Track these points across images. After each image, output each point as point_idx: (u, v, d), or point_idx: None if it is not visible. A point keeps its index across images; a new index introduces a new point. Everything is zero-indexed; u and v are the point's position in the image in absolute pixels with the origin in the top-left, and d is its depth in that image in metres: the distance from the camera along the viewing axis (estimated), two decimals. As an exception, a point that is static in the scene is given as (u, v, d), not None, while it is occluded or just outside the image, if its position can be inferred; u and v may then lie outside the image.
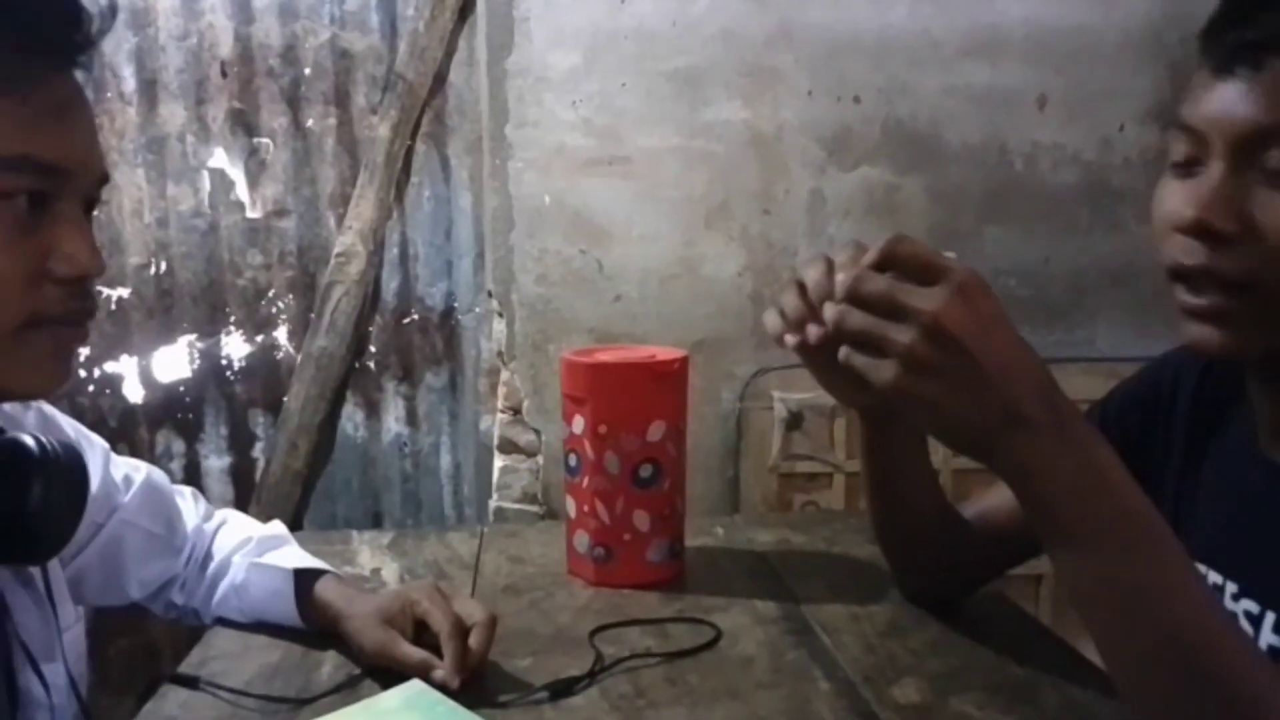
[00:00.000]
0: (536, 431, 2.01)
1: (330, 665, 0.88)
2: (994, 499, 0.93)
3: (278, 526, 1.03)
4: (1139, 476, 0.62)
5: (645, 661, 0.88)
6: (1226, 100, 0.61)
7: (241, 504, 2.10)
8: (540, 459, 2.01)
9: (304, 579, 0.94)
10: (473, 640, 0.83)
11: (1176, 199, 0.64)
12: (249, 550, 0.98)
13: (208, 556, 1.00)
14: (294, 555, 0.97)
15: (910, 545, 0.96)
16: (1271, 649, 0.65)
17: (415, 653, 0.82)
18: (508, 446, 2.03)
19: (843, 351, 0.59)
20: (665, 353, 1.11)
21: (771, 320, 0.72)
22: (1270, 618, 0.66)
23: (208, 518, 1.04)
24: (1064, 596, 0.61)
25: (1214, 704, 0.55)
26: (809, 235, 2.02)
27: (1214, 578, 0.72)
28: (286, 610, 0.94)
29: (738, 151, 1.98)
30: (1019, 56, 1.98)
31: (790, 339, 0.71)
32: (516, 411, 2.02)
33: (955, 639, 0.93)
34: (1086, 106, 1.99)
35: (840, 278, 0.64)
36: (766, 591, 1.05)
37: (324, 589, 0.93)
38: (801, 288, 0.70)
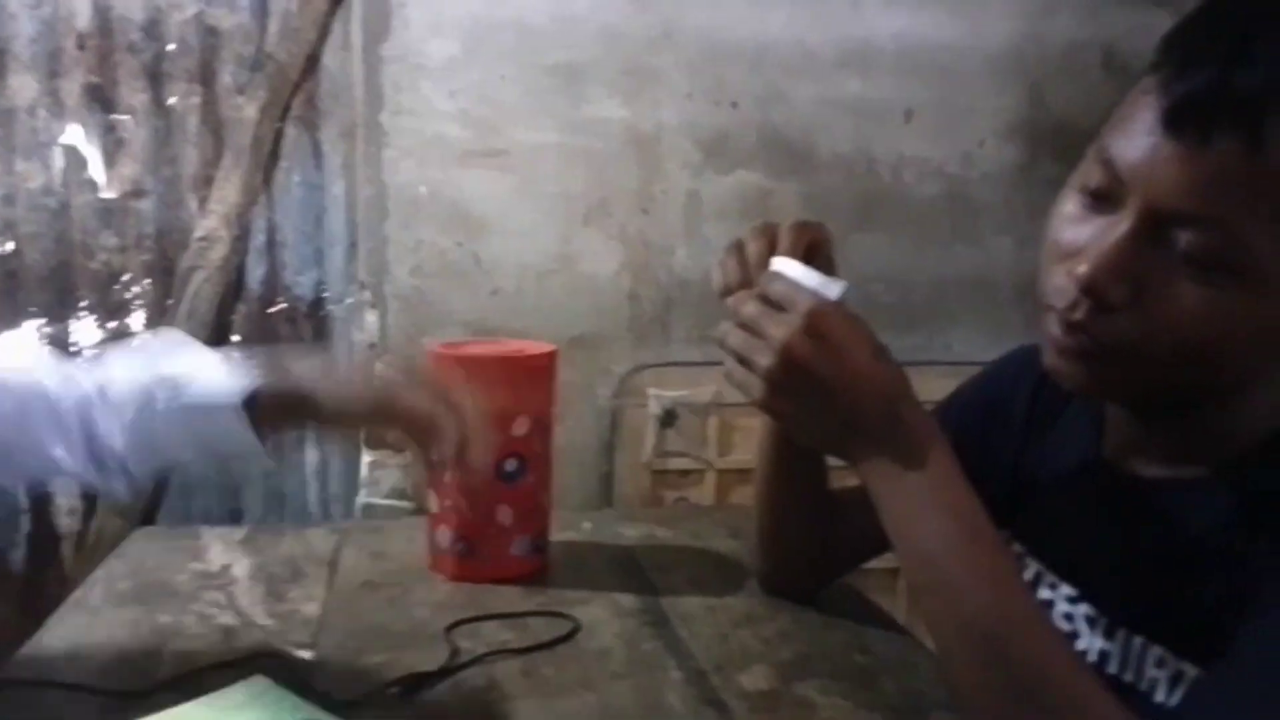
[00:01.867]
0: (407, 426, 1.97)
1: (170, 660, 0.85)
2: (855, 493, 0.97)
3: (166, 337, 0.83)
4: (979, 473, 0.66)
5: (502, 656, 0.88)
6: (1160, 162, 0.55)
7: (90, 497, 1.99)
8: (409, 454, 1.98)
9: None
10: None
11: (1077, 236, 0.61)
12: (158, 387, 0.75)
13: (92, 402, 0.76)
14: (213, 369, 0.76)
15: (790, 528, 0.98)
16: (1102, 653, 0.69)
17: (424, 398, 0.77)
18: (376, 441, 1.99)
19: (725, 366, 0.67)
20: (533, 347, 1.11)
21: (717, 277, 0.76)
22: (1103, 622, 0.70)
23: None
24: (906, 582, 0.65)
25: (1025, 698, 0.58)
26: (686, 235, 2.06)
27: (1050, 578, 0.76)
28: (242, 443, 0.75)
29: (617, 150, 2.00)
30: (889, 71, 2.06)
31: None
32: (387, 405, 1.98)
33: (805, 628, 0.96)
34: (950, 121, 2.08)
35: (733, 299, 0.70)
36: (628, 585, 1.07)
37: (268, 392, 0.75)
38: (740, 251, 0.74)
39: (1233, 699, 0.56)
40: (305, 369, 0.79)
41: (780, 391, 0.64)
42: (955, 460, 0.64)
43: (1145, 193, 0.56)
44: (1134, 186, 0.57)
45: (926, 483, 0.63)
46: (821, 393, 0.63)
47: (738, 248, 0.74)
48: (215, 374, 0.76)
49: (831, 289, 0.66)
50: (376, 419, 0.78)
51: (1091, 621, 0.71)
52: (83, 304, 1.96)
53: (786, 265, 0.68)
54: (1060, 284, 0.61)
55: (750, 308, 0.66)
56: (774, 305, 0.65)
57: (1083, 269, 0.58)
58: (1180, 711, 0.60)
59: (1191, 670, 0.62)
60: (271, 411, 0.76)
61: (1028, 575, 0.78)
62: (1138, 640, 0.67)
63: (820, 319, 0.63)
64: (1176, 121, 0.54)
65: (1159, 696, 0.64)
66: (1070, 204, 0.62)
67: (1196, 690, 0.61)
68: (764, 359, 0.63)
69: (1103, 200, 0.60)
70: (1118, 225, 0.58)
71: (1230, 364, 0.60)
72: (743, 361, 0.66)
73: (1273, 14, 0.54)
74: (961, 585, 0.61)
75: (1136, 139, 0.57)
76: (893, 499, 0.65)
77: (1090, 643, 0.70)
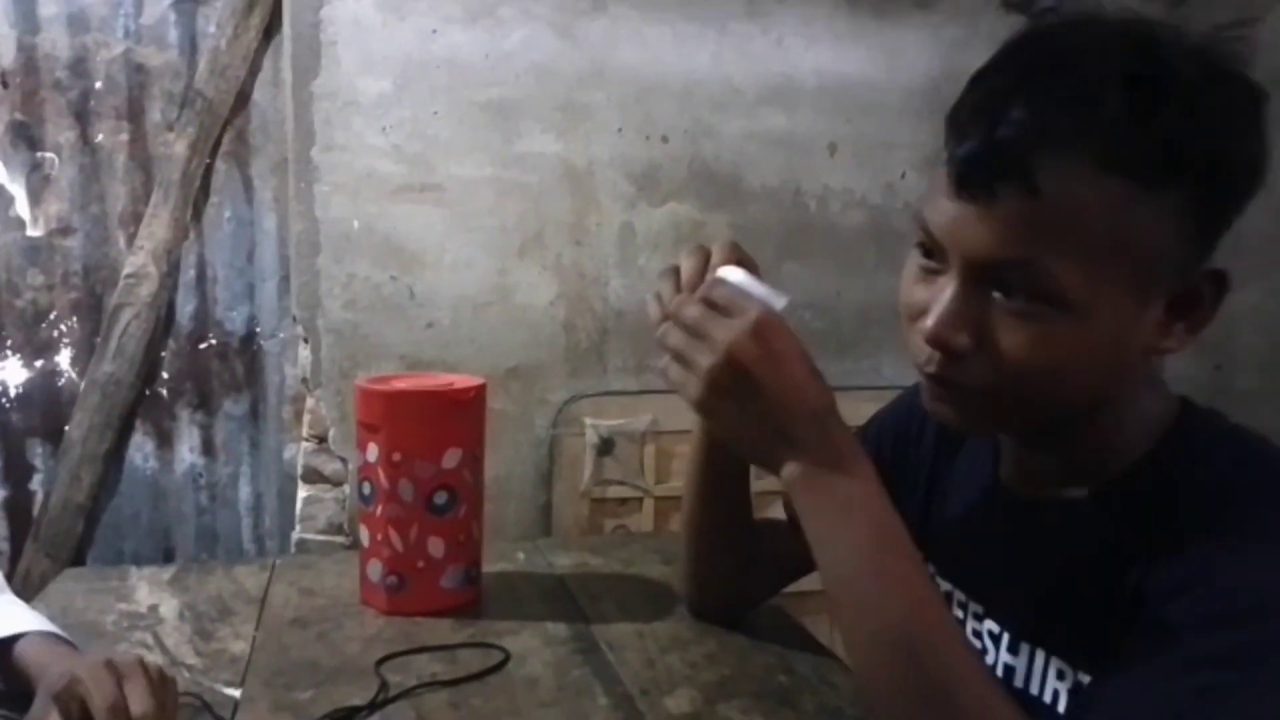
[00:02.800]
0: (343, 460, 1.97)
1: None
2: (779, 512, 1.00)
3: None
4: (893, 496, 0.69)
5: (431, 688, 0.89)
6: (962, 224, 0.62)
7: (17, 540, 1.95)
8: (346, 488, 1.97)
9: (8, 640, 0.85)
10: None
11: (920, 296, 0.66)
12: None
13: None
14: (3, 611, 0.88)
15: (716, 551, 1.00)
16: (1008, 667, 0.72)
17: None
18: (312, 476, 1.98)
19: (662, 363, 0.68)
20: (462, 381, 1.13)
21: (654, 308, 0.77)
22: (1006, 638, 0.73)
23: None
24: (825, 593, 0.66)
25: (936, 707, 0.61)
26: (620, 266, 2.09)
27: (959, 596, 0.80)
28: None
29: (551, 183, 2.02)
30: (811, 106, 2.12)
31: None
32: (322, 440, 1.97)
33: (730, 651, 0.99)
34: (872, 154, 2.15)
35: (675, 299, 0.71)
36: (559, 613, 1.08)
37: (25, 648, 0.84)
38: (675, 275, 0.76)
39: (1114, 711, 0.60)
40: (40, 663, 0.82)
41: (718, 392, 0.65)
42: (877, 478, 0.66)
43: (959, 251, 0.63)
44: (950, 247, 0.63)
45: (849, 496, 0.65)
46: (759, 398, 0.64)
47: (672, 272, 0.76)
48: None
49: (777, 301, 0.67)
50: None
51: (996, 638, 0.74)
52: (9, 343, 1.92)
53: (733, 274, 0.70)
54: (916, 343, 0.67)
55: (693, 309, 0.66)
56: (719, 310, 0.66)
57: (926, 325, 0.65)
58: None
59: (1088, 681, 0.66)
60: (11, 666, 0.84)
61: None
62: (1040, 654, 0.70)
63: (766, 326, 0.64)
64: (964, 186, 0.61)
65: (1061, 707, 0.67)
66: (912, 266, 0.69)
67: (1082, 701, 0.65)
68: (705, 359, 0.64)
69: (933, 259, 0.66)
70: (948, 283, 0.64)
71: (1075, 387, 0.65)
72: (682, 361, 0.66)
73: (1023, 76, 0.60)
74: (878, 595, 0.63)
75: (940, 206, 0.64)
76: (816, 510, 0.66)
77: (997, 657, 0.74)
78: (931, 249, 0.66)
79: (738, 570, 1.01)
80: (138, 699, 0.75)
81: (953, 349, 0.64)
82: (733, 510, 0.97)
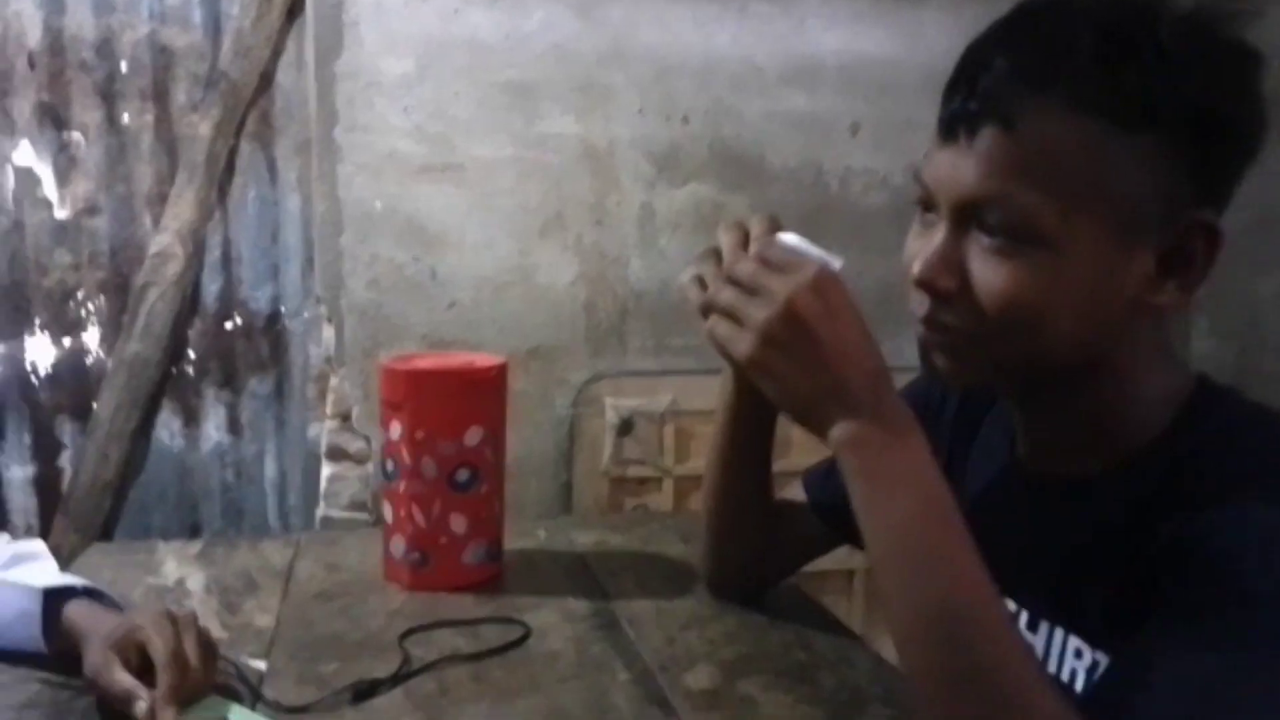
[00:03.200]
0: (366, 439, 1.99)
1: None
2: (797, 493, 1.01)
3: (36, 544, 0.97)
4: None
5: (453, 662, 0.91)
6: (946, 166, 0.66)
7: (46, 516, 1.98)
8: (370, 466, 1.99)
9: (54, 602, 0.87)
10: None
11: (914, 248, 0.69)
12: None
13: None
14: (47, 573, 0.91)
15: (737, 529, 1.01)
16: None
17: (123, 679, 0.77)
18: (336, 454, 2.00)
19: (709, 322, 0.67)
20: (484, 359, 1.14)
21: (693, 292, 0.76)
22: (1025, 616, 0.73)
23: None
24: (869, 562, 0.65)
25: (977, 684, 0.59)
26: (640, 246, 2.09)
27: None
28: (30, 634, 0.86)
29: (571, 164, 2.02)
30: (833, 86, 2.11)
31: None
32: (346, 418, 1.99)
33: (749, 628, 0.99)
34: (894, 134, 2.14)
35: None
36: (579, 590, 1.09)
37: (73, 610, 0.86)
38: (716, 256, 0.74)
39: (1130, 694, 0.59)
40: (89, 620, 0.84)
41: (772, 345, 0.63)
42: (929, 447, 0.65)
43: (946, 195, 0.66)
44: (939, 194, 0.67)
45: (902, 463, 0.63)
46: (814, 354, 0.62)
47: (712, 253, 0.75)
48: (41, 572, 0.90)
49: (834, 262, 0.67)
50: (95, 689, 0.80)
51: (1014, 616, 0.74)
52: (37, 321, 1.95)
53: (787, 237, 0.70)
54: (910, 290, 0.70)
55: (749, 265, 0.65)
56: (775, 267, 0.65)
57: (915, 269, 0.67)
58: (1084, 703, 0.64)
59: (1105, 660, 0.66)
60: (57, 626, 0.86)
61: None
62: (1059, 632, 0.70)
63: (826, 281, 0.63)
64: (949, 132, 0.66)
65: (1079, 686, 0.67)
66: (914, 225, 0.71)
67: (1100, 680, 0.65)
68: (762, 311, 0.63)
69: (930, 212, 0.69)
70: (938, 229, 0.67)
71: (1058, 331, 0.65)
72: (733, 317, 0.65)
73: (1006, 32, 0.65)
74: (927, 569, 0.62)
75: (932, 157, 0.68)
76: (866, 474, 0.64)
77: None
78: (927, 202, 0.69)
79: (757, 549, 1.02)
80: (194, 651, 0.79)
81: (938, 291, 0.67)
82: (754, 489, 0.97)
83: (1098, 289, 0.64)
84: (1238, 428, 0.66)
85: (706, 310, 0.69)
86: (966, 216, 0.65)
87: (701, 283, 0.74)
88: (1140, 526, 0.64)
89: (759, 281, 0.64)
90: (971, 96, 0.64)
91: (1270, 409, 0.67)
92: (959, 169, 0.65)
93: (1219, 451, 0.64)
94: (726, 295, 0.66)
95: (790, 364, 0.63)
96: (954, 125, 0.65)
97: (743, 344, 0.64)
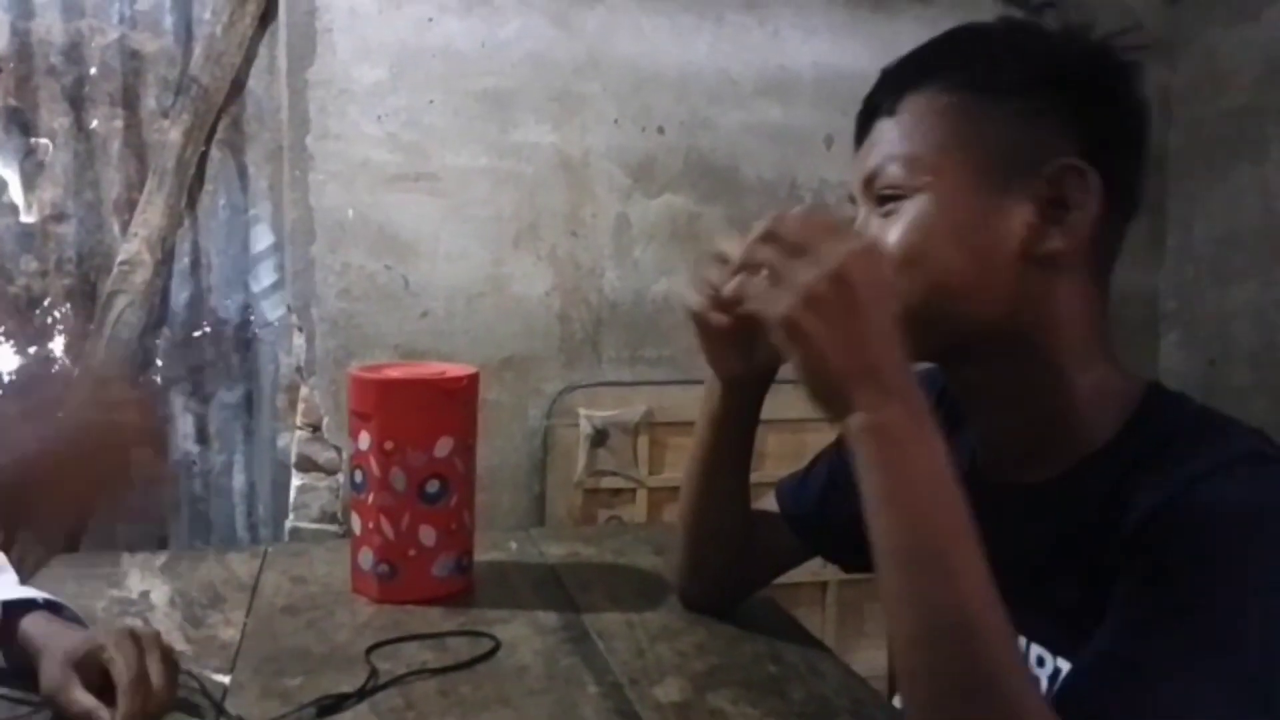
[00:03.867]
0: (336, 449, 1.97)
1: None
2: (770, 505, 1.00)
3: None
4: None
5: (420, 676, 0.89)
6: (856, 162, 0.75)
7: (10, 528, 1.94)
8: (340, 477, 1.97)
9: (12, 615, 0.84)
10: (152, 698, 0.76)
11: None
12: None
13: None
14: (5, 585, 0.89)
15: (713, 540, 1.00)
16: None
17: (84, 699, 0.75)
18: (306, 464, 1.98)
19: (734, 281, 0.65)
20: (455, 369, 1.13)
21: (694, 298, 0.77)
22: None
23: None
24: (873, 558, 0.63)
25: (977, 694, 0.58)
26: (615, 257, 2.09)
27: None
28: None
29: (546, 174, 2.02)
30: (808, 98, 2.12)
31: (714, 316, 0.77)
32: (316, 429, 1.98)
33: (719, 640, 0.99)
34: (868, 147, 2.15)
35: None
36: (549, 602, 1.08)
37: (30, 624, 0.84)
38: (722, 260, 0.74)
39: (1102, 692, 0.60)
40: (45, 635, 0.82)
41: (814, 308, 0.60)
42: (947, 450, 0.62)
43: (853, 186, 0.75)
44: (854, 189, 0.75)
45: (923, 460, 0.61)
46: (855, 326, 0.60)
47: (719, 258, 0.74)
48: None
49: None
50: (54, 706, 0.77)
51: None
52: (2, 329, 1.92)
53: None
54: None
55: (797, 223, 0.63)
56: (823, 230, 0.63)
57: None
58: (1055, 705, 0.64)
59: (1067, 667, 0.66)
60: (13, 639, 0.83)
61: None
62: (1020, 641, 0.70)
63: (879, 255, 0.63)
64: (857, 138, 0.75)
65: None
66: None
67: (1061, 687, 0.65)
68: (808, 271, 0.60)
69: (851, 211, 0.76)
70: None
71: (954, 272, 0.69)
72: (772, 275, 0.62)
73: (899, 59, 0.74)
74: (940, 570, 0.60)
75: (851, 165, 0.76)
76: (884, 467, 0.61)
77: None
78: (852, 200, 0.76)
79: (732, 560, 1.01)
80: (157, 671, 0.77)
81: None
82: (733, 501, 0.97)
83: (979, 230, 0.68)
84: (1189, 429, 0.67)
85: (702, 315, 0.68)
86: (868, 199, 0.72)
87: (705, 285, 0.75)
88: (1096, 530, 0.65)
89: (809, 240, 0.61)
90: (869, 103, 0.74)
91: (1221, 413, 0.68)
92: (859, 161, 0.74)
93: (1172, 452, 0.65)
94: (766, 252, 0.63)
95: (828, 332, 0.60)
96: (859, 130, 0.75)
97: (781, 302, 0.61)
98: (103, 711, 0.74)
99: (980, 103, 0.69)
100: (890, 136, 0.71)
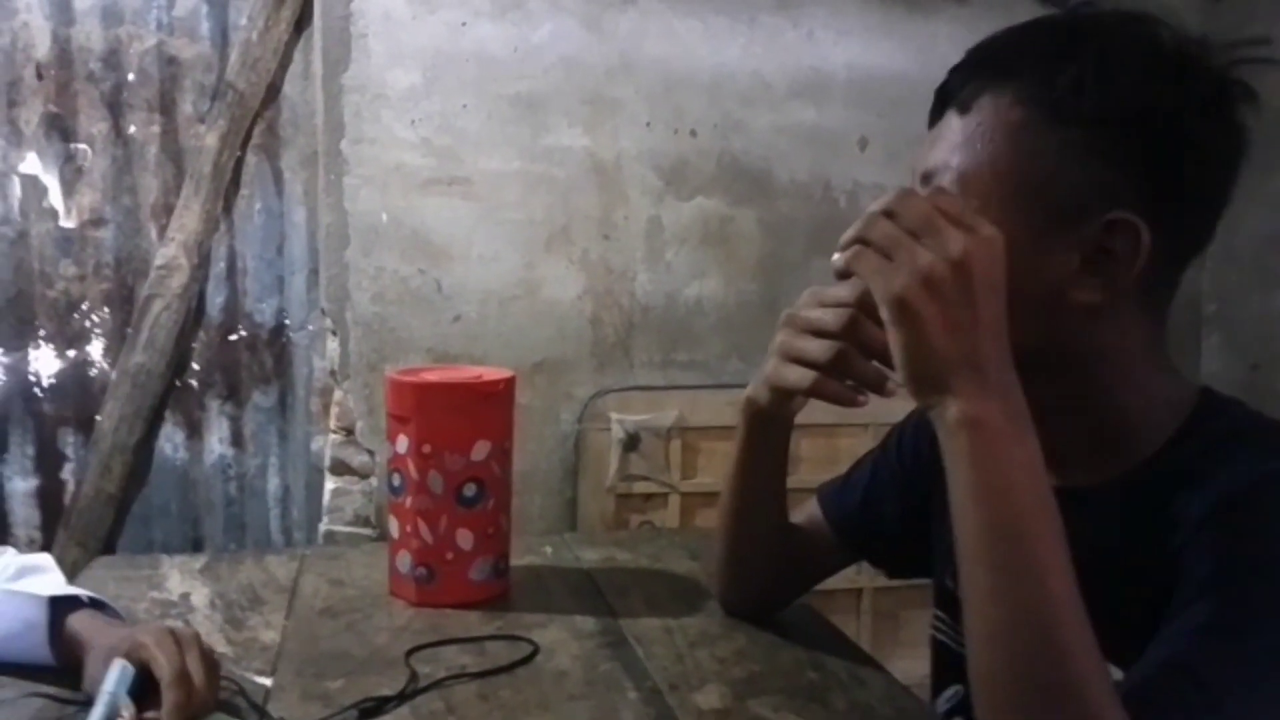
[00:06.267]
0: (370, 452, 1.98)
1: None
2: (811, 511, 0.99)
3: (43, 558, 0.96)
4: (925, 492, 0.67)
5: (460, 679, 0.89)
6: (923, 147, 0.73)
7: (49, 528, 1.97)
8: (374, 480, 1.98)
9: (59, 613, 0.85)
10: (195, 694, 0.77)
11: None
12: (3, 576, 0.90)
13: None
14: (53, 584, 0.89)
15: (754, 548, 0.99)
16: None
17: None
18: (340, 468, 1.99)
19: (851, 253, 0.62)
20: (491, 373, 1.12)
21: (796, 375, 0.73)
22: None
23: None
24: (959, 552, 0.62)
25: (1063, 698, 0.57)
26: (647, 261, 2.08)
27: None
28: (37, 643, 0.85)
29: (578, 177, 2.02)
30: (842, 100, 2.11)
31: (829, 387, 0.72)
32: (350, 432, 1.99)
33: (760, 647, 0.98)
34: (903, 148, 2.13)
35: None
36: (586, 607, 1.08)
37: (76, 620, 0.84)
38: (815, 332, 0.72)
39: (1154, 702, 0.59)
40: (92, 631, 0.84)
41: (930, 290, 0.59)
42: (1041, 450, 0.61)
43: (914, 174, 0.72)
44: (916, 173, 0.72)
45: (1021, 458, 0.60)
46: (968, 315, 0.59)
47: (811, 328, 0.72)
48: (47, 583, 0.89)
49: None
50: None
51: None
52: (41, 333, 1.95)
53: None
54: None
55: (924, 206, 0.61)
56: (950, 218, 0.61)
57: None
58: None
59: (1118, 674, 0.65)
60: (62, 637, 0.85)
61: None
62: None
63: (1000, 250, 0.61)
64: (931, 115, 0.73)
65: None
66: None
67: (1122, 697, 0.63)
68: (929, 254, 0.59)
69: None
70: None
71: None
72: (893, 251, 0.60)
73: (980, 44, 0.71)
74: (1029, 570, 0.58)
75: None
76: (979, 462, 0.60)
77: None
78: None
79: (773, 568, 1.01)
80: (197, 670, 0.77)
81: None
82: (771, 509, 0.96)
83: (1014, 269, 0.63)
84: (1243, 433, 0.66)
85: (847, 246, 0.63)
86: (925, 190, 0.70)
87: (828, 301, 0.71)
88: (1146, 536, 0.64)
89: (932, 222, 0.60)
90: (942, 91, 0.72)
91: (1272, 419, 0.67)
92: (924, 148, 0.71)
93: (1222, 457, 0.64)
94: (886, 228, 0.61)
95: (941, 314, 0.59)
96: (933, 111, 0.72)
97: (896, 279, 0.60)
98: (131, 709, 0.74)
99: (1050, 128, 0.66)
100: (955, 138, 0.69)
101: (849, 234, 0.63)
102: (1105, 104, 0.64)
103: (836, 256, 0.64)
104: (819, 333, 0.71)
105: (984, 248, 0.60)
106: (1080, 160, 0.65)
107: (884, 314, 0.61)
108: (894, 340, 0.61)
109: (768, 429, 0.88)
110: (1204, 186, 0.67)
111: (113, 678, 0.75)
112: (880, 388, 0.66)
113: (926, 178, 0.70)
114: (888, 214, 0.62)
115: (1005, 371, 0.61)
